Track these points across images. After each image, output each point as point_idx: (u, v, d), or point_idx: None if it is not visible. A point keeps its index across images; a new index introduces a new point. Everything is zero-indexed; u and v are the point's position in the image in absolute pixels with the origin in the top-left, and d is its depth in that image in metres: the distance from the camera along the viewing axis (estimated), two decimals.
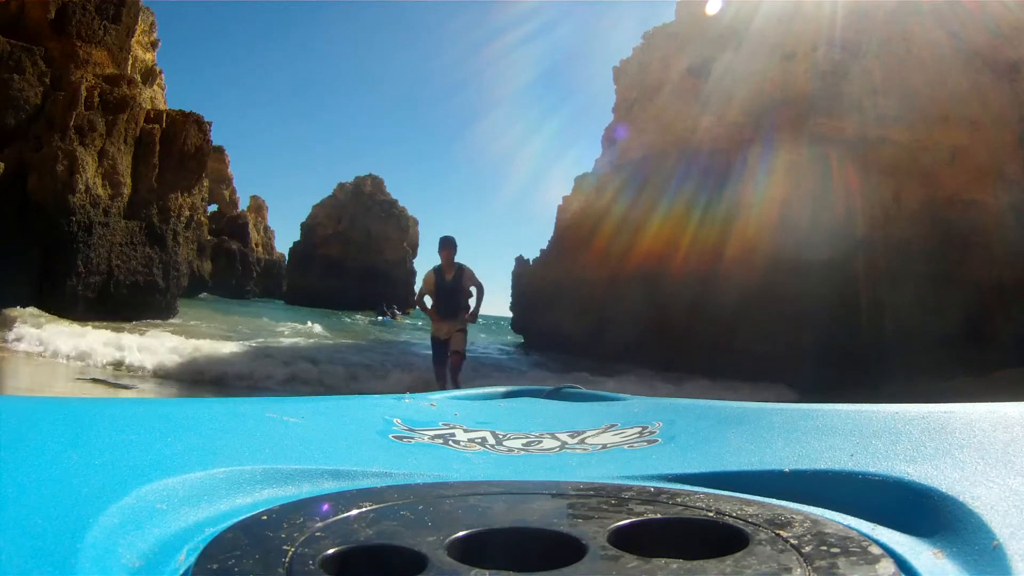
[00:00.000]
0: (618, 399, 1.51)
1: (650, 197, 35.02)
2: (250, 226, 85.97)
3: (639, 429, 1.06)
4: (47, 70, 24.30)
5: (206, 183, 31.30)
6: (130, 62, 29.51)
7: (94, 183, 24.46)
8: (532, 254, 48.50)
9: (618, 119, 45.30)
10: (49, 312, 21.54)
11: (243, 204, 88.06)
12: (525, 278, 45.80)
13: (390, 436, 1.00)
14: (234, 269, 79.49)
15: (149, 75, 33.77)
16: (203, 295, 33.11)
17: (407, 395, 1.44)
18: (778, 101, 29.94)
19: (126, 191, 25.89)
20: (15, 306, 20.42)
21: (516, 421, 1.25)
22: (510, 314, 49.23)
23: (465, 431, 1.09)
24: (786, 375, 19.93)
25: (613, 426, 1.11)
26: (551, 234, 46.47)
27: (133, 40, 30.01)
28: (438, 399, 1.45)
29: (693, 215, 31.65)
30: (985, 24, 25.84)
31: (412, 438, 1.00)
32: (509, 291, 49.18)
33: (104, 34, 26.56)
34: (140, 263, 26.17)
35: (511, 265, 50.52)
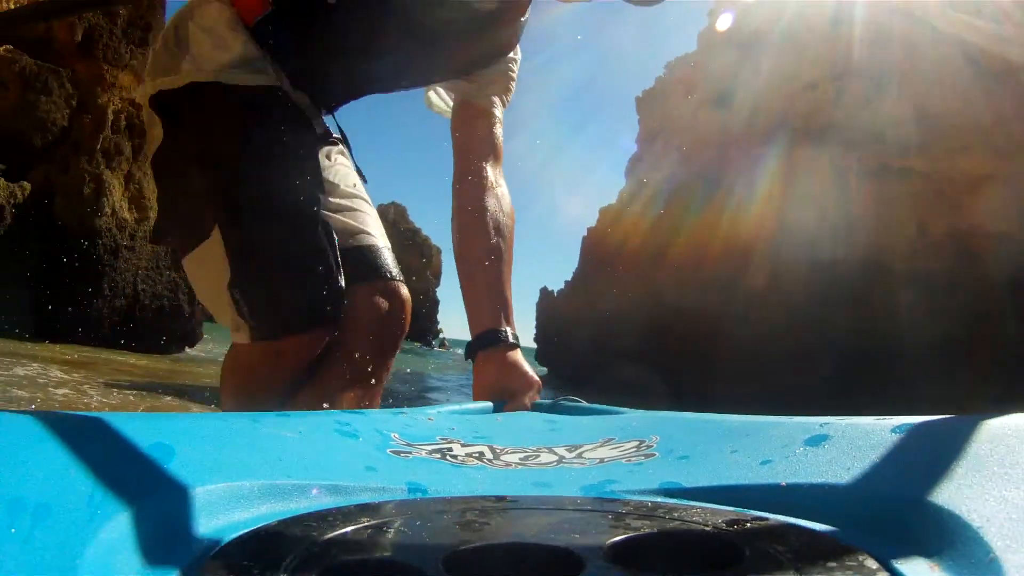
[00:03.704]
0: (616, 412, 1.47)
1: (675, 227, 34.94)
2: None
3: (636, 443, 1.04)
4: (74, 92, 24.47)
5: None
6: None
7: (120, 206, 24.58)
8: (556, 284, 48.58)
9: (642, 149, 45.40)
10: (74, 335, 21.49)
11: None
12: (550, 310, 46.02)
13: (388, 451, 0.98)
14: None
15: None
16: None
17: (404, 409, 1.39)
18: (801, 131, 30.01)
19: (152, 215, 25.80)
20: (37, 330, 20.35)
21: (514, 435, 1.22)
22: (534, 345, 49.31)
23: (463, 445, 1.07)
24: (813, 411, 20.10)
25: (611, 440, 1.08)
26: (576, 265, 46.58)
27: None
28: (436, 413, 1.41)
29: (717, 245, 31.48)
30: (1006, 50, 25.71)
31: (410, 453, 0.98)
32: (533, 322, 49.33)
33: (131, 57, 26.75)
34: (165, 288, 26.25)
35: (534, 296, 50.64)
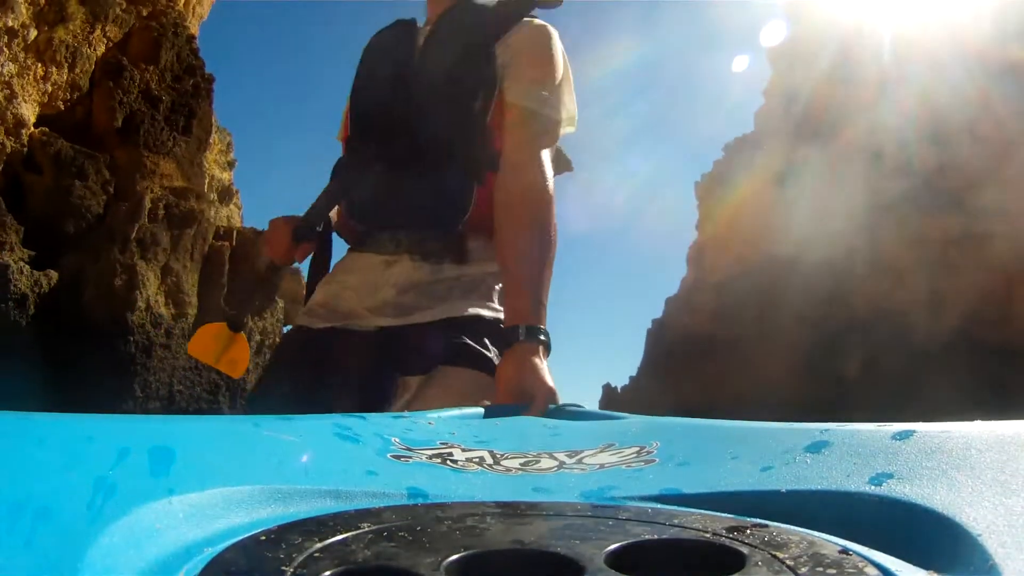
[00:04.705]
0: (616, 418, 1.41)
1: (745, 316, 34.11)
2: None
3: (637, 449, 1.02)
4: (111, 179, 23.24)
5: (281, 304, 30.48)
6: (207, 181, 28.57)
7: (156, 301, 23.09)
8: (619, 380, 48.51)
9: (702, 237, 45.04)
10: None
11: None
12: (613, 407, 44.77)
13: (388, 455, 0.97)
14: None
15: (226, 194, 33.40)
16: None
17: (405, 413, 1.37)
18: (876, 206, 29.26)
19: (191, 311, 24.42)
20: None
21: (514, 440, 1.19)
22: None
23: (463, 450, 1.04)
24: None
25: (611, 445, 1.06)
26: (639, 359, 46.32)
27: (210, 159, 29.29)
28: (436, 418, 1.37)
29: (802, 332, 30.23)
30: None
31: (410, 457, 0.97)
32: None
33: (173, 145, 25.69)
34: (205, 389, 24.88)
35: (597, 392, 50.38)
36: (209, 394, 24.82)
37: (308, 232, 2.49)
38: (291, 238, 2.48)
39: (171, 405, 23.28)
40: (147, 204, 22.99)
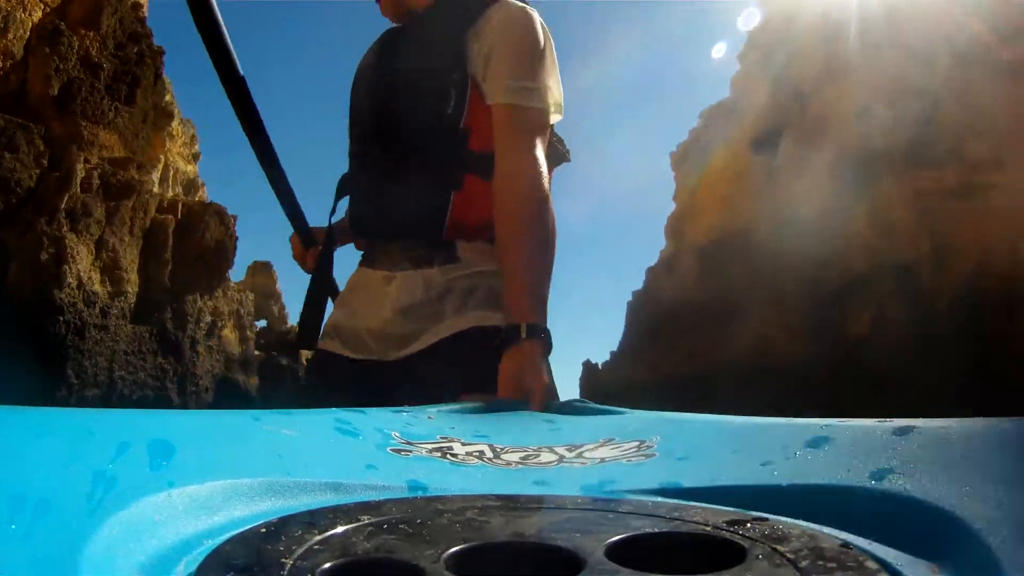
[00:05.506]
0: (616, 412, 1.44)
1: (727, 284, 33.89)
2: None
3: (637, 443, 1.03)
4: (45, 150, 21.67)
5: (251, 297, 29.27)
6: (172, 173, 27.55)
7: (89, 277, 21.61)
8: (599, 356, 49.00)
9: (680, 206, 45.29)
10: None
11: (293, 319, 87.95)
12: (594, 384, 45.17)
13: (388, 449, 0.98)
14: (284, 384, 79.49)
15: (191, 187, 32.54)
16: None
17: (405, 407, 1.38)
18: (865, 159, 29.04)
19: (131, 289, 23.07)
20: None
21: (514, 434, 1.21)
22: None
23: (463, 444, 1.05)
24: None
25: (611, 440, 1.08)
26: (619, 335, 46.92)
27: (174, 151, 28.18)
28: (436, 412, 1.40)
29: (798, 298, 29.90)
30: None
31: (410, 451, 0.98)
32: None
33: (115, 115, 24.17)
34: (150, 375, 23.50)
35: (575, 371, 50.90)
36: (155, 380, 23.42)
37: (308, 239, 2.72)
38: (301, 245, 2.75)
39: (112, 392, 21.92)
40: (80, 173, 21.67)
